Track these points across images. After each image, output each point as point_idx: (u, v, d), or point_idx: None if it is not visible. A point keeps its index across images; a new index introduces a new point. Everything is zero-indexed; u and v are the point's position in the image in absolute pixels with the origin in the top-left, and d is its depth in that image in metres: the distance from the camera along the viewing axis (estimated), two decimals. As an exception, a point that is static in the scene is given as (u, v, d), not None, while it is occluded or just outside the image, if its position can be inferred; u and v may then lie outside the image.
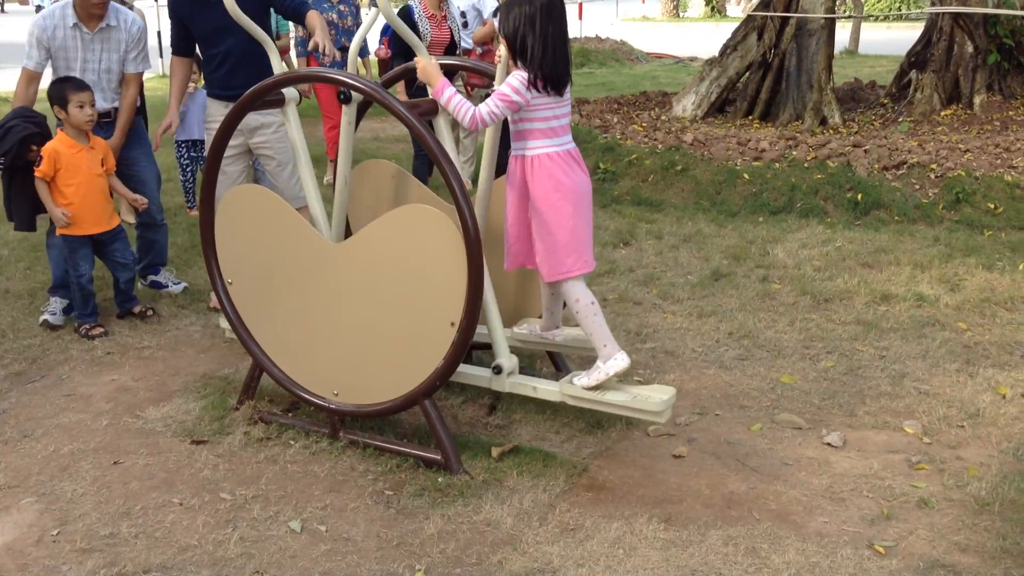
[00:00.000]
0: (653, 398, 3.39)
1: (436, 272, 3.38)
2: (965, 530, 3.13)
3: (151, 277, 5.59)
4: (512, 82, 3.38)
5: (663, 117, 9.97)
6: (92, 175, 4.79)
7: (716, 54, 10.42)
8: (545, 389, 3.62)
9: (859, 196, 6.93)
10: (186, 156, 7.27)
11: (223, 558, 3.03)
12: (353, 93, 3.54)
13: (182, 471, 3.58)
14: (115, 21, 4.95)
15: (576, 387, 3.51)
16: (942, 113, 9.46)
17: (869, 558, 2.98)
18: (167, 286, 5.57)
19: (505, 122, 3.52)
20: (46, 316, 5.04)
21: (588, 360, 3.90)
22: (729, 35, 10.34)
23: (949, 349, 4.55)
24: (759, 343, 4.69)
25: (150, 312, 5.15)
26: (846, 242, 6.17)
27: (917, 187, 7.05)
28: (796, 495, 3.36)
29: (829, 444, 3.71)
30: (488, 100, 3.40)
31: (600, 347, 3.50)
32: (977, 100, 9.48)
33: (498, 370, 3.66)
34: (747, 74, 10.12)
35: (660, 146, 8.21)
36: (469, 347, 3.54)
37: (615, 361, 3.46)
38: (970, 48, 9.61)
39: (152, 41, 8.07)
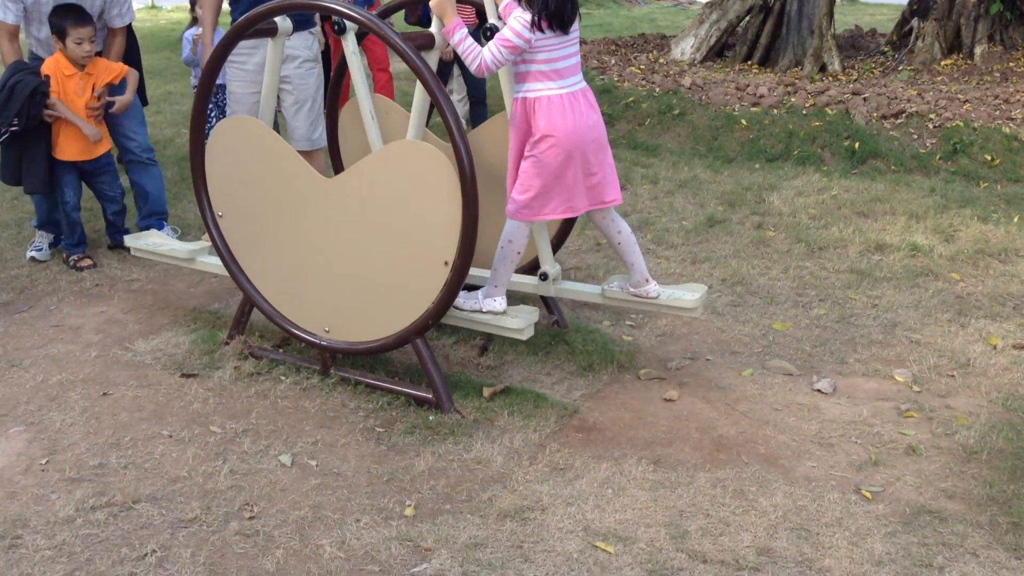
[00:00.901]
0: (512, 321, 3.60)
1: (430, 210, 3.33)
2: (952, 477, 3.15)
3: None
4: (514, 25, 3.29)
5: (661, 60, 9.84)
6: (79, 101, 4.69)
7: (717, -3, 10.25)
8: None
9: (856, 145, 6.88)
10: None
11: (213, 490, 3.03)
12: (347, 23, 3.46)
13: (172, 404, 3.57)
14: None
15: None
16: (942, 63, 9.36)
17: (856, 502, 3.00)
18: None
19: None
20: (32, 253, 4.96)
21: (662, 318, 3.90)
22: (730, -23, 10.15)
23: (942, 299, 4.55)
24: (752, 290, 4.68)
25: None
26: (842, 191, 6.13)
27: (915, 137, 6.99)
28: (785, 440, 3.37)
29: (819, 391, 3.72)
30: (490, 45, 3.32)
31: (493, 285, 3.64)
32: (978, 50, 9.38)
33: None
34: (747, 18, 9.97)
35: (658, 90, 8.10)
36: (462, 287, 3.52)
37: (495, 303, 3.63)
38: (973, -3, 9.47)
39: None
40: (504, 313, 3.63)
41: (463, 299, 3.66)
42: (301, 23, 4.56)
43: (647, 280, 3.73)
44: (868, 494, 3.04)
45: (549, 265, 3.92)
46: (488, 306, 3.63)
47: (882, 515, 2.94)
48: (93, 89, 4.73)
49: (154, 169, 5.21)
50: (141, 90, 5.97)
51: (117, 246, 5.06)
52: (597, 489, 3.06)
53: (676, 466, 3.20)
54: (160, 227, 5.19)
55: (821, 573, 2.67)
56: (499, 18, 3.52)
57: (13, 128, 4.50)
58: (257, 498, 3.00)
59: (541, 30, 3.30)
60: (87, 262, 4.86)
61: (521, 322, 3.58)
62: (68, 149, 4.73)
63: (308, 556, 2.73)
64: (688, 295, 3.73)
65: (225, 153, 3.77)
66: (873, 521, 2.90)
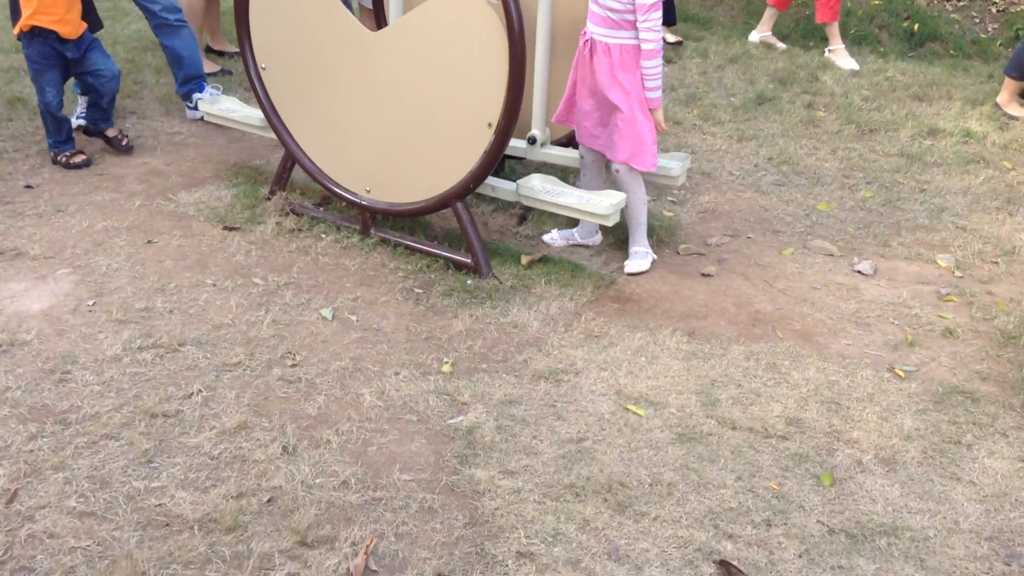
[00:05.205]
0: (602, 202, 3.45)
1: (476, 68, 3.26)
2: (988, 360, 3.15)
3: (196, 96, 4.83)
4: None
5: (716, -70, 9.40)
6: None
7: None
8: (503, 189, 3.68)
9: (916, 26, 6.61)
10: None
11: (256, 338, 3.10)
12: None
13: (215, 254, 3.62)
14: None
15: (530, 188, 3.58)
16: (1014, -57, 8.87)
17: (888, 380, 3.02)
18: None
19: None
20: (80, 121, 4.59)
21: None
22: None
23: (991, 187, 4.45)
24: (798, 170, 4.60)
25: (124, 140, 4.50)
26: (898, 73, 5.93)
27: (977, 20, 6.71)
28: (822, 318, 3.37)
29: (860, 272, 3.69)
30: (652, 28, 3.32)
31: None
32: (1054, -69, 8.86)
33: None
34: None
35: (711, -40, 7.77)
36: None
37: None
38: None
39: None
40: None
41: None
42: None
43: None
44: (901, 373, 3.06)
45: (539, 129, 3.81)
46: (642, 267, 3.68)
47: (914, 393, 2.96)
48: None
49: (185, 31, 4.82)
50: None
51: (96, 134, 4.54)
52: (631, 356, 3.10)
53: (710, 338, 3.23)
54: (201, 89, 4.88)
55: (849, 444, 2.71)
56: None
57: None
58: (299, 347, 3.07)
59: None
60: (80, 157, 4.33)
61: (606, 208, 3.44)
62: (46, 14, 4.04)
63: (348, 403, 2.81)
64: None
65: (269, 3, 3.70)
66: (905, 398, 2.93)
